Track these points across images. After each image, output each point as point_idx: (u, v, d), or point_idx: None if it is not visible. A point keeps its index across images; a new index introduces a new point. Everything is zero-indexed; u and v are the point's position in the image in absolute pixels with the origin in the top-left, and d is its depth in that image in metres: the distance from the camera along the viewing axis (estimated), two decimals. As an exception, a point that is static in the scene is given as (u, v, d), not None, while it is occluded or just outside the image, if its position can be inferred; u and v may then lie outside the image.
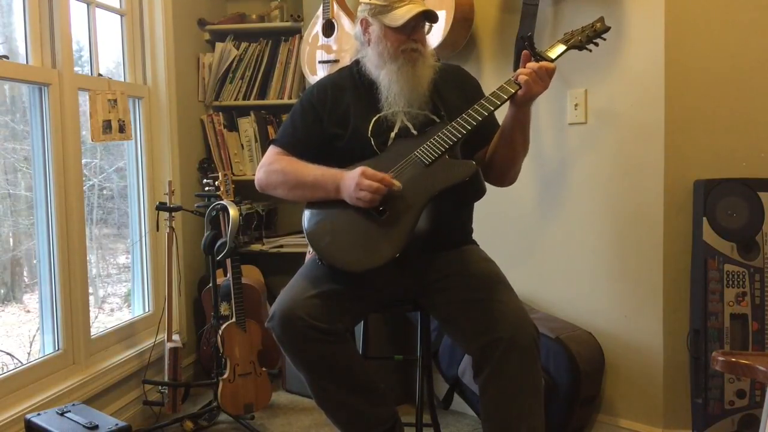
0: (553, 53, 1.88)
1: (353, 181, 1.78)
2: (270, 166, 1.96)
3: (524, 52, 1.86)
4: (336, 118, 1.95)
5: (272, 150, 2.00)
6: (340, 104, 1.96)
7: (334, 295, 1.81)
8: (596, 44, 1.93)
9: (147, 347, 2.81)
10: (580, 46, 1.92)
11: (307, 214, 1.91)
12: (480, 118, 1.81)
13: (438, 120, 1.92)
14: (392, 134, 1.91)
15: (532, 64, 1.80)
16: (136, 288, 3.04)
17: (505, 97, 1.81)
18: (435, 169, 1.80)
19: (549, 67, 1.80)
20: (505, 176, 1.99)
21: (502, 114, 1.93)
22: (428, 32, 1.98)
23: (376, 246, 1.77)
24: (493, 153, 1.95)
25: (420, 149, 1.82)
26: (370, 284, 1.86)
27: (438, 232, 1.87)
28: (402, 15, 1.86)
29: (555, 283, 2.56)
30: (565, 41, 1.91)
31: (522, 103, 1.83)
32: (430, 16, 1.89)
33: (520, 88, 1.80)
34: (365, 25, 1.95)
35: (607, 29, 1.92)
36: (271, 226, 3.54)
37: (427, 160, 1.80)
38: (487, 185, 2.02)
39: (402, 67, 1.89)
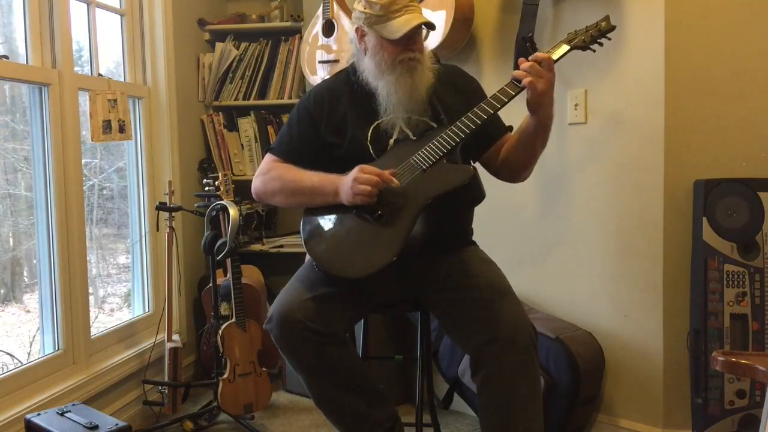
0: (555, 54, 1.85)
1: (350, 177, 1.77)
2: (267, 174, 1.96)
3: (520, 59, 1.83)
4: (333, 127, 1.93)
5: (268, 158, 1.99)
6: (337, 112, 1.94)
7: (331, 297, 1.81)
8: (600, 44, 1.91)
9: (147, 347, 2.81)
10: (584, 47, 1.89)
11: (304, 221, 1.91)
12: (479, 122, 1.79)
13: (436, 125, 1.90)
14: (391, 141, 1.90)
15: (526, 64, 1.79)
16: (136, 288, 3.04)
17: (506, 99, 1.80)
18: (433, 173, 1.79)
19: (542, 57, 1.78)
20: (520, 174, 1.99)
21: (508, 112, 1.93)
22: (426, 38, 1.96)
23: (372, 251, 1.76)
24: (511, 152, 1.94)
25: (418, 154, 1.81)
26: (368, 288, 1.86)
27: (437, 237, 1.87)
28: (399, 27, 1.81)
29: (555, 284, 2.56)
30: (568, 41, 1.88)
31: (534, 105, 1.80)
32: (428, 26, 1.86)
33: (522, 88, 1.79)
34: (361, 34, 1.90)
35: (613, 28, 1.89)
36: (271, 226, 3.54)
37: (425, 164, 1.79)
38: (490, 180, 2.01)
39: (400, 77, 1.85)
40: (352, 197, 1.77)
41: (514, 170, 1.97)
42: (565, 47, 1.88)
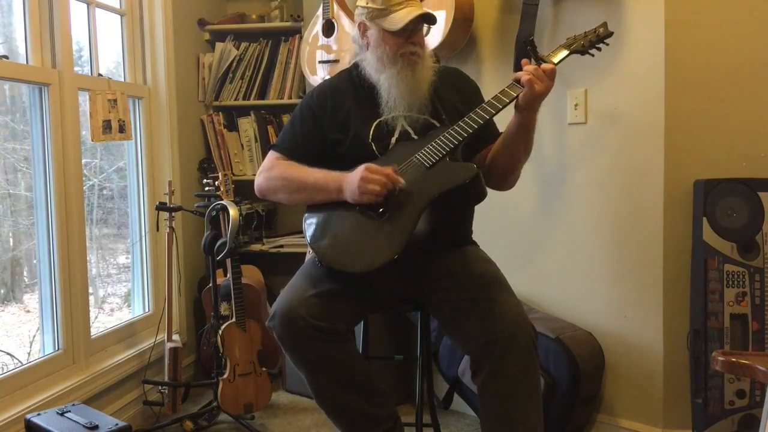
0: (555, 58, 1.88)
1: (357, 176, 1.78)
2: (270, 172, 1.96)
3: (523, 60, 1.85)
4: (337, 124, 1.94)
5: (272, 155, 2.00)
6: (340, 109, 1.95)
7: (334, 294, 1.82)
8: (599, 49, 1.94)
9: (147, 347, 2.81)
10: (583, 51, 1.92)
11: (307, 217, 1.92)
12: (482, 122, 1.80)
13: (438, 124, 1.92)
14: (393, 139, 1.91)
15: (530, 67, 1.80)
16: (136, 288, 3.04)
17: (507, 100, 1.81)
18: (436, 171, 1.80)
19: (547, 68, 1.80)
20: (505, 181, 1.99)
21: (503, 119, 1.94)
22: (426, 34, 1.97)
23: (375, 247, 1.77)
24: (495, 157, 1.95)
25: (421, 152, 1.82)
26: (369, 284, 1.86)
27: (438, 234, 1.87)
28: (400, 18, 1.85)
29: (555, 283, 2.56)
30: (567, 46, 1.91)
31: (526, 105, 1.81)
32: (429, 19, 1.88)
33: (522, 89, 1.79)
34: (363, 29, 1.94)
35: (610, 34, 1.92)
36: (271, 226, 3.54)
37: (428, 162, 1.80)
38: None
39: (401, 70, 1.88)
40: (359, 196, 1.78)
41: (499, 175, 1.97)
42: (565, 52, 1.91)
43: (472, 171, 1.79)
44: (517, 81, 1.80)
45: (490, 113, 1.81)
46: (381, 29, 1.89)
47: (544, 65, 1.81)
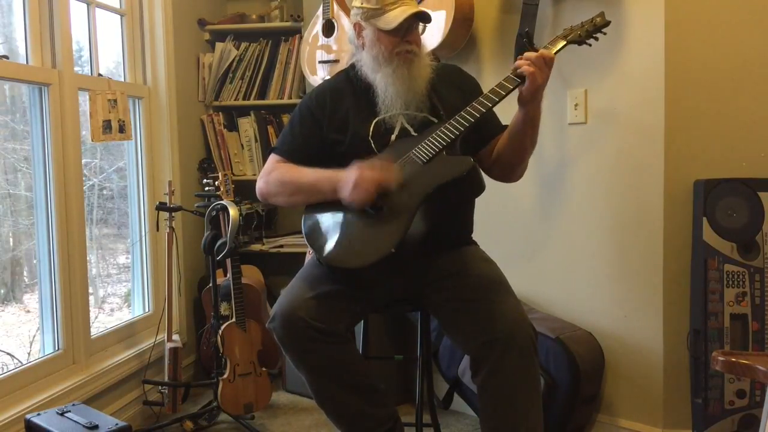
0: (553, 49, 1.87)
1: (351, 180, 1.77)
2: (269, 176, 1.97)
3: (526, 53, 1.85)
4: (336, 124, 1.95)
5: (272, 158, 2.01)
6: (339, 109, 1.96)
7: (333, 295, 1.82)
8: (596, 38, 1.93)
9: (147, 347, 2.81)
10: (580, 41, 1.91)
11: (305, 214, 1.92)
12: (478, 115, 1.80)
13: (436, 121, 1.92)
14: (392, 137, 1.91)
15: (530, 54, 1.79)
16: (136, 288, 3.04)
17: (504, 93, 1.81)
18: (432, 166, 1.80)
19: (546, 55, 1.79)
20: (513, 172, 2.00)
21: (504, 111, 1.93)
22: (422, 32, 1.97)
23: (373, 243, 1.77)
24: (502, 150, 1.96)
25: (417, 147, 1.83)
26: (369, 284, 1.86)
27: (438, 234, 1.88)
28: (394, 17, 1.85)
29: (555, 283, 2.56)
30: (564, 36, 1.91)
31: (529, 97, 1.81)
32: (423, 17, 1.89)
33: (521, 82, 1.79)
34: (358, 30, 1.95)
35: (607, 23, 1.91)
36: (271, 226, 3.54)
37: (424, 157, 1.81)
38: (490, 181, 2.02)
39: (397, 69, 1.88)
40: (348, 203, 1.79)
41: (506, 168, 1.98)
42: (562, 42, 1.90)
43: (467, 164, 1.80)
44: (517, 75, 1.80)
45: (486, 106, 1.81)
46: (376, 29, 1.89)
47: (542, 52, 1.80)
